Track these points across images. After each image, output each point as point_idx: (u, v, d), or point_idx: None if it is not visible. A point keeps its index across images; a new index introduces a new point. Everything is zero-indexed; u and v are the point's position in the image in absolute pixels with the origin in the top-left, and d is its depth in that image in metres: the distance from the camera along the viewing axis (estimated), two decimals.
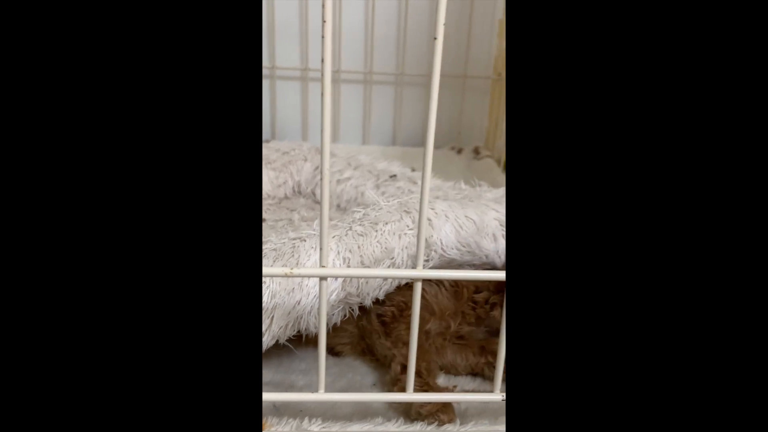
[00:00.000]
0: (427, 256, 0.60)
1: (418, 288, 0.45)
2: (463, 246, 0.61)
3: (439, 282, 0.64)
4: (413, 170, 0.99)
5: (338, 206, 0.94)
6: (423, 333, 0.62)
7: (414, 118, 1.24)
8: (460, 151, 1.20)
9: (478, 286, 0.64)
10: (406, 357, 0.51)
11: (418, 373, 0.55)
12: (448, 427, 0.54)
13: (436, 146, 1.25)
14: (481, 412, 0.57)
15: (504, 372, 0.56)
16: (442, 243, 0.60)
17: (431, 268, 0.60)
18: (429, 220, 0.61)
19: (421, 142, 1.26)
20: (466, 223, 0.62)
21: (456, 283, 0.64)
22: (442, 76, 1.40)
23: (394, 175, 0.94)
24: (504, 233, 0.63)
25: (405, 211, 0.61)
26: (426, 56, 1.19)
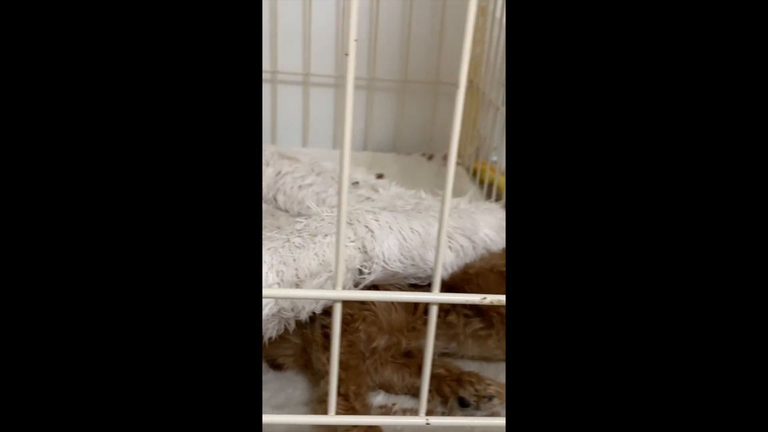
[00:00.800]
0: (369, 269, 0.58)
1: (338, 310, 0.43)
2: (407, 259, 0.59)
3: None
4: (379, 177, 0.97)
5: (299, 213, 0.92)
6: (363, 353, 0.60)
7: (385, 123, 1.22)
8: (431, 158, 1.19)
9: None
10: (338, 377, 0.49)
11: (345, 396, 0.53)
12: None
13: (407, 152, 1.24)
14: None
15: (429, 394, 0.54)
16: (384, 255, 0.58)
17: (372, 281, 0.58)
18: (371, 231, 0.59)
19: (392, 148, 1.25)
20: (410, 236, 0.60)
21: None
22: (414, 82, 1.36)
23: (357, 183, 0.92)
24: (450, 245, 0.61)
25: (348, 222, 0.59)
26: (397, 61, 1.17)
